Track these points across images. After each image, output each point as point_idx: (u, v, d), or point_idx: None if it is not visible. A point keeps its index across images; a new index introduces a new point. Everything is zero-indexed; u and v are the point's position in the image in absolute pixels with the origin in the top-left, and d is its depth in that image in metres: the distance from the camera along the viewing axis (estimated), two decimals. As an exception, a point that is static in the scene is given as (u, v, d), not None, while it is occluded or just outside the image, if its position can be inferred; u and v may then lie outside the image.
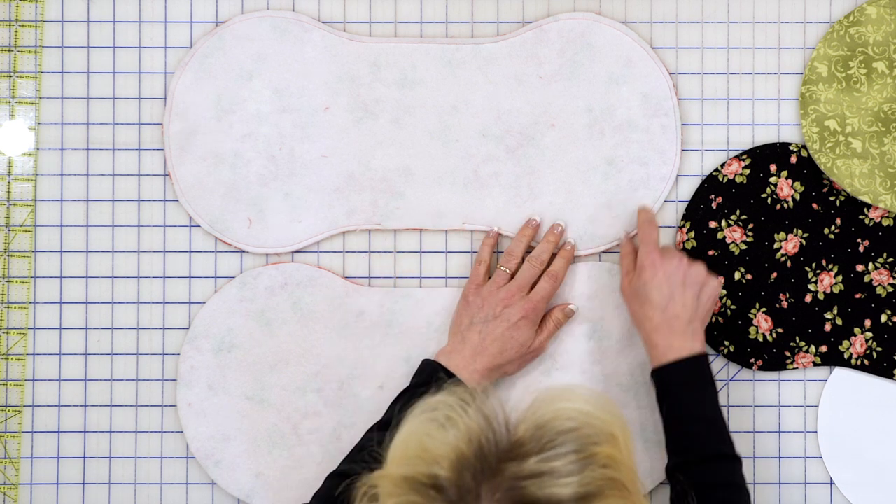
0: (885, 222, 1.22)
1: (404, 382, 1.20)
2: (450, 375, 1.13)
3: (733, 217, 1.22)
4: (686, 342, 1.12)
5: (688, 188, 1.23)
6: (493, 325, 1.16)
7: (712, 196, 1.22)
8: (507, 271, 1.18)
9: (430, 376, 1.13)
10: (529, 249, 1.21)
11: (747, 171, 1.23)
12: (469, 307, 1.18)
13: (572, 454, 0.77)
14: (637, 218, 1.20)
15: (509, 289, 1.17)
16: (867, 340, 1.22)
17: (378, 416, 1.20)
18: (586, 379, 1.21)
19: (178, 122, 1.22)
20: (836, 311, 1.22)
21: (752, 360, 1.22)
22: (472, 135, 1.22)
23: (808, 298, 1.22)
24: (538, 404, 0.80)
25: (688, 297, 1.13)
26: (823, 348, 1.22)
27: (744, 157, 1.23)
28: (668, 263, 1.14)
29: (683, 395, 1.11)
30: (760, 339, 1.22)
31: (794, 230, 1.22)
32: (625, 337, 1.21)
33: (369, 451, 1.03)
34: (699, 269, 1.15)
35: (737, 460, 1.11)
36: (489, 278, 1.19)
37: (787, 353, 1.22)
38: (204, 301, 1.23)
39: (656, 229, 1.17)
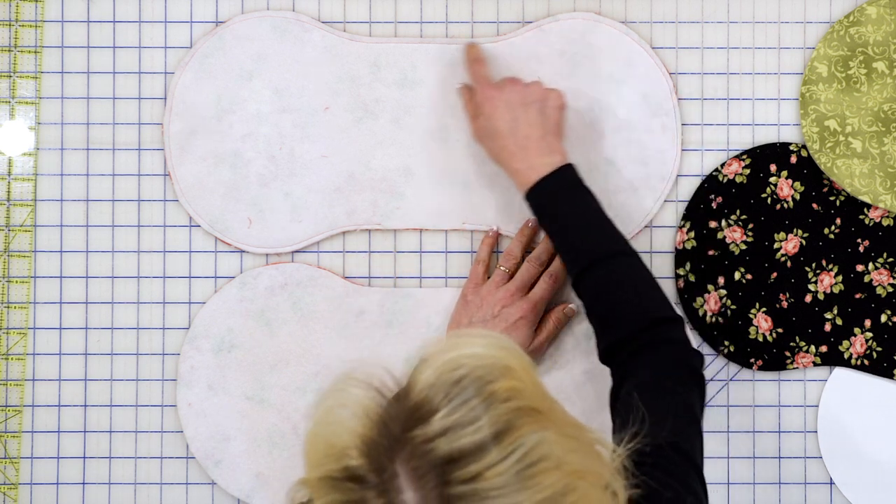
0: (885, 222, 1.22)
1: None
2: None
3: (733, 217, 1.22)
4: (545, 158, 1.12)
5: (688, 188, 1.23)
6: (491, 324, 1.15)
7: (712, 196, 1.22)
8: (506, 271, 1.18)
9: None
10: (529, 250, 1.21)
11: (747, 171, 1.23)
12: (467, 306, 1.18)
13: (472, 399, 0.75)
14: (465, 58, 1.20)
15: (508, 289, 1.17)
16: (867, 340, 1.22)
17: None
18: (586, 379, 1.21)
19: (178, 122, 1.22)
20: (836, 311, 1.22)
21: (752, 360, 1.22)
22: (472, 135, 1.22)
23: (808, 298, 1.22)
24: (425, 363, 0.78)
25: (531, 114, 1.14)
26: (823, 348, 1.22)
27: (744, 157, 1.23)
28: (503, 91, 1.15)
29: (560, 206, 1.11)
30: (760, 339, 1.22)
31: (794, 230, 1.22)
32: (625, 337, 1.22)
33: None
34: (536, 86, 1.16)
35: (634, 254, 1.10)
36: (488, 278, 1.19)
37: (787, 353, 1.22)
38: (204, 301, 1.23)
39: (484, 64, 1.18)
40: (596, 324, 1.10)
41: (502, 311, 1.16)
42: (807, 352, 1.22)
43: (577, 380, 1.21)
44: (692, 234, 1.23)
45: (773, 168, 1.23)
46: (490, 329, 1.15)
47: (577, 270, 1.10)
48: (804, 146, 1.23)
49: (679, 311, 1.22)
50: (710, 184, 1.23)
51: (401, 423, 0.76)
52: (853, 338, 1.22)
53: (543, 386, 0.81)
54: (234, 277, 1.23)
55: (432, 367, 0.77)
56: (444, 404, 0.75)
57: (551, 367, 1.21)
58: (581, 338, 1.21)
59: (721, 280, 1.22)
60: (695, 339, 1.22)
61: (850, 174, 1.21)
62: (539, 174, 1.12)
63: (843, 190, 1.22)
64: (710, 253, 1.22)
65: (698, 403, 1.04)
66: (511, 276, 1.18)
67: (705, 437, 1.23)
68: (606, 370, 1.22)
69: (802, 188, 1.23)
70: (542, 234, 1.21)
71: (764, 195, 1.22)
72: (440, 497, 0.73)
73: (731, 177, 1.23)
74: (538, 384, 0.80)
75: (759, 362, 1.22)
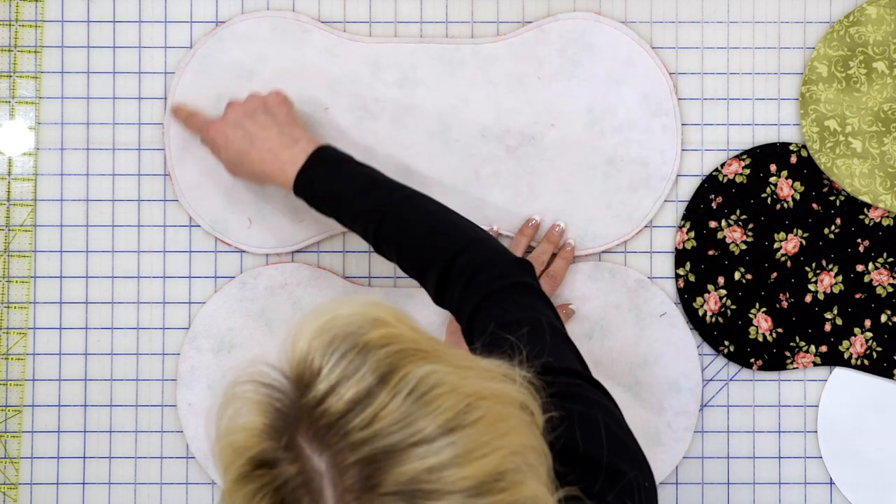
0: (885, 222, 1.22)
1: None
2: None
3: (733, 217, 1.22)
4: (292, 149, 1.11)
5: (688, 188, 1.23)
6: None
7: (712, 196, 1.22)
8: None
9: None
10: (529, 250, 1.21)
11: (747, 171, 1.23)
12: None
13: (349, 353, 0.75)
14: (180, 122, 1.20)
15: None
16: (867, 340, 1.22)
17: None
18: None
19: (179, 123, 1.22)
20: (836, 311, 1.22)
21: (752, 360, 1.22)
22: (472, 135, 1.22)
23: (808, 298, 1.22)
24: (295, 337, 0.78)
25: (259, 118, 1.13)
26: (823, 348, 1.22)
27: (744, 156, 1.23)
28: (225, 116, 1.15)
29: (328, 186, 1.09)
30: (760, 339, 1.22)
31: (794, 230, 1.22)
32: (625, 337, 1.21)
33: None
34: (251, 96, 1.15)
35: (415, 195, 1.09)
36: None
37: (787, 353, 1.22)
38: (204, 301, 1.23)
39: (198, 114, 1.19)
40: (413, 274, 1.07)
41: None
42: (807, 352, 1.22)
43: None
44: (692, 234, 1.23)
45: (773, 168, 1.23)
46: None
47: (371, 235, 1.08)
48: (804, 146, 1.23)
49: (679, 311, 1.22)
50: (710, 184, 1.23)
51: (289, 398, 0.76)
52: (853, 338, 1.22)
53: (425, 332, 0.80)
54: (234, 277, 1.23)
55: (303, 337, 0.77)
56: (324, 364, 0.75)
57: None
58: (581, 338, 1.22)
59: (721, 280, 1.22)
60: (695, 339, 1.22)
61: (850, 174, 1.21)
62: (295, 167, 1.10)
63: (843, 190, 1.22)
64: (710, 253, 1.22)
65: (546, 311, 1.00)
66: None
67: (705, 436, 1.23)
68: (606, 370, 1.22)
69: (802, 188, 1.23)
70: (542, 234, 1.21)
71: (764, 195, 1.22)
72: (347, 449, 0.73)
73: (731, 177, 1.23)
74: (417, 330, 0.79)
75: (759, 362, 1.22)
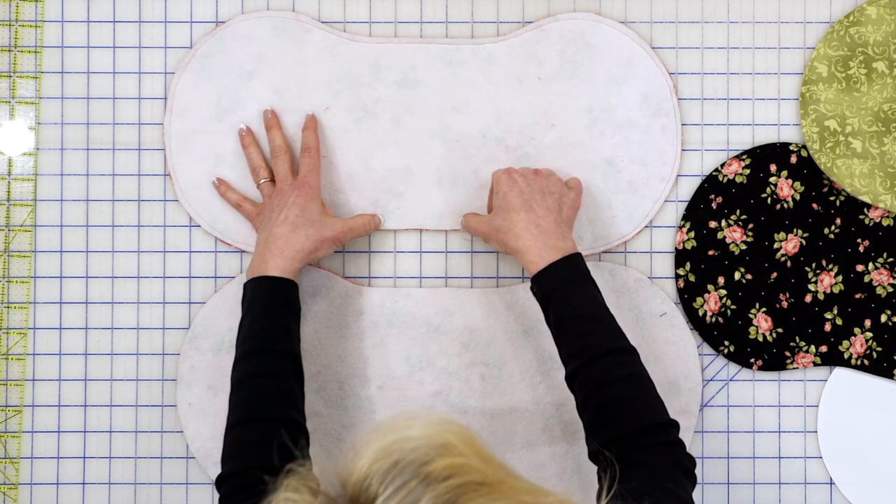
0: (885, 222, 1.22)
1: (404, 383, 1.21)
2: (260, 280, 1.11)
3: (733, 217, 1.22)
4: (559, 242, 1.10)
5: (688, 188, 1.23)
6: (272, 217, 1.15)
7: (712, 196, 1.22)
8: (266, 180, 1.19)
9: (247, 297, 1.12)
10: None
11: (747, 171, 1.23)
12: (257, 228, 1.18)
13: (410, 482, 0.73)
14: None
15: (277, 189, 1.17)
16: (867, 340, 1.22)
17: (377, 416, 1.20)
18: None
19: (179, 122, 1.22)
20: (836, 311, 1.22)
21: (752, 360, 1.22)
22: (473, 135, 1.22)
23: (808, 298, 1.22)
24: (359, 453, 0.76)
25: (549, 202, 1.13)
26: (823, 348, 1.22)
27: (744, 157, 1.23)
28: (522, 174, 1.15)
29: (569, 296, 1.08)
30: (760, 339, 1.22)
31: (794, 230, 1.22)
32: (625, 337, 1.22)
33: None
34: (555, 179, 1.16)
35: (633, 352, 1.07)
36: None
37: (787, 353, 1.22)
38: (204, 301, 1.23)
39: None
40: (588, 420, 1.05)
41: (276, 202, 1.16)
42: (807, 352, 1.22)
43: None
44: (692, 234, 1.23)
45: (773, 168, 1.23)
46: (273, 218, 1.14)
47: (576, 364, 1.06)
48: (804, 146, 1.23)
49: (679, 311, 1.22)
50: (710, 184, 1.23)
51: None
52: (853, 338, 1.22)
53: (493, 456, 0.78)
54: (234, 277, 1.23)
55: (366, 456, 0.75)
56: (382, 491, 0.73)
57: (551, 368, 1.21)
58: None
59: (721, 280, 1.22)
60: (695, 339, 1.22)
61: (850, 174, 1.21)
62: (551, 257, 1.09)
63: (843, 190, 1.22)
64: (710, 253, 1.22)
65: (691, 499, 1.01)
66: (273, 182, 1.19)
67: (705, 436, 1.23)
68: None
69: (802, 188, 1.23)
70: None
71: (764, 195, 1.22)
72: None
73: (731, 177, 1.23)
74: (486, 457, 0.77)
75: (759, 362, 1.22)
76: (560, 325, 1.08)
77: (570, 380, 1.06)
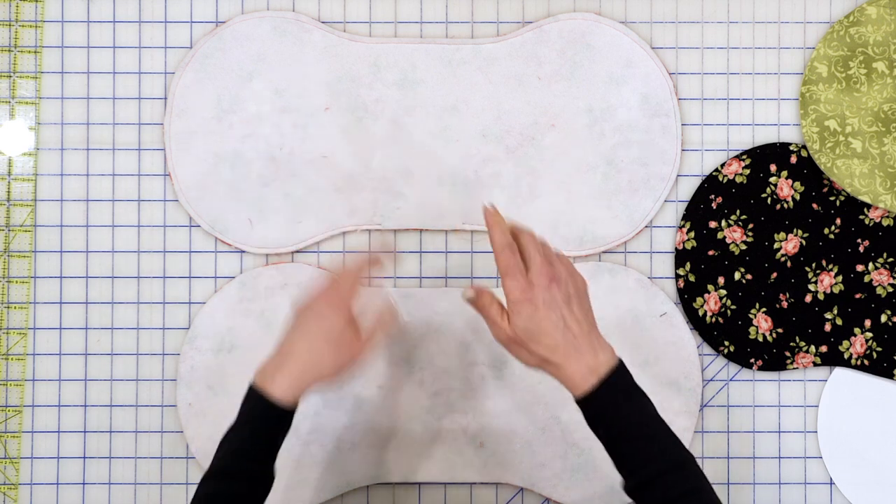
0: (885, 222, 1.22)
1: (404, 383, 1.21)
2: (260, 399, 1.03)
3: (733, 217, 1.22)
4: (599, 356, 1.00)
5: (688, 188, 1.23)
6: (300, 321, 1.06)
7: (712, 196, 1.22)
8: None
9: (246, 407, 1.04)
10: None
11: (747, 171, 1.23)
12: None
13: None
14: (490, 236, 1.02)
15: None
16: (867, 340, 1.22)
17: (377, 417, 1.20)
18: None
19: (179, 123, 1.22)
20: (836, 311, 1.22)
21: (752, 360, 1.22)
22: (473, 135, 1.22)
23: (808, 298, 1.22)
24: None
25: (576, 311, 1.02)
26: (823, 348, 1.22)
27: (744, 157, 1.23)
28: (540, 288, 1.01)
29: (621, 413, 1.00)
30: (760, 339, 1.22)
31: (794, 230, 1.22)
32: (625, 337, 1.21)
33: None
34: (567, 277, 1.03)
35: (691, 461, 1.01)
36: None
37: (787, 353, 1.22)
38: (204, 301, 1.23)
39: (510, 246, 1.02)
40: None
41: (311, 305, 1.06)
42: (807, 352, 1.22)
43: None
44: (692, 234, 1.23)
45: (773, 168, 1.23)
46: (299, 324, 1.04)
47: (639, 479, 1.00)
48: (804, 146, 1.23)
49: (679, 311, 1.22)
50: (710, 184, 1.23)
51: None
52: (853, 338, 1.22)
53: None
54: (234, 278, 1.23)
55: None
56: None
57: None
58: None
59: (721, 280, 1.22)
60: (695, 339, 1.22)
61: (850, 174, 1.21)
62: (596, 377, 0.99)
63: (843, 190, 1.22)
64: (710, 253, 1.22)
65: None
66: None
67: (705, 436, 1.23)
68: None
69: (802, 188, 1.23)
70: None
71: (764, 195, 1.22)
72: None
73: (731, 177, 1.23)
74: None
75: (759, 362, 1.22)
76: (613, 444, 1.01)
77: (635, 491, 1.01)
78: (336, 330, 1.04)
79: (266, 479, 1.03)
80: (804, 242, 1.22)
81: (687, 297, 1.22)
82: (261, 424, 1.02)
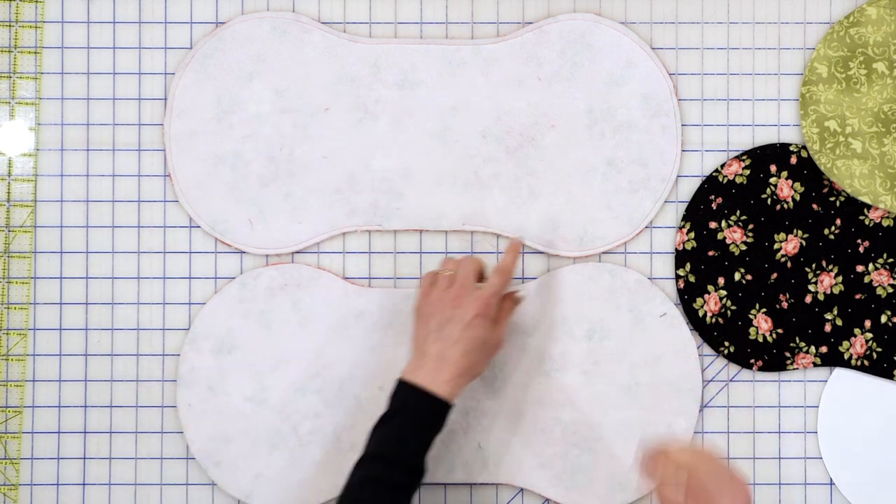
0: (885, 223, 1.22)
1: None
2: (426, 397, 1.10)
3: (733, 217, 1.22)
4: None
5: (688, 189, 1.23)
6: (447, 329, 1.12)
7: (712, 196, 1.22)
8: (452, 273, 1.16)
9: (408, 401, 1.10)
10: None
11: (747, 172, 1.23)
12: (421, 319, 1.14)
13: None
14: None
15: (454, 288, 1.14)
16: (867, 341, 1.22)
17: (377, 417, 1.20)
18: (586, 379, 1.21)
19: (179, 123, 1.22)
20: (836, 312, 1.22)
21: (752, 361, 1.22)
22: (473, 135, 1.22)
23: (808, 299, 1.22)
24: None
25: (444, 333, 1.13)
26: (823, 349, 1.22)
27: (744, 157, 1.23)
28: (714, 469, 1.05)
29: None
30: (760, 339, 1.22)
31: (794, 231, 1.22)
32: (625, 337, 1.22)
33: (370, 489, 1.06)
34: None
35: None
36: None
37: (787, 354, 1.22)
38: (204, 302, 1.23)
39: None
40: None
41: (455, 312, 1.12)
42: (807, 352, 1.22)
43: (578, 381, 1.21)
44: (692, 234, 1.23)
45: (773, 169, 1.23)
46: (448, 334, 1.12)
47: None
48: (804, 147, 1.23)
49: (679, 311, 1.22)
50: (710, 184, 1.23)
51: None
52: (853, 338, 1.22)
53: None
54: (234, 278, 1.23)
55: None
56: None
57: (551, 369, 1.21)
58: (581, 338, 1.22)
59: (721, 280, 1.22)
60: (695, 340, 1.22)
61: (850, 175, 1.21)
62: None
63: (843, 190, 1.22)
64: (711, 254, 1.22)
65: None
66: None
67: (705, 437, 1.23)
68: (606, 370, 1.23)
69: (802, 189, 1.23)
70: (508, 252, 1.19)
71: (764, 196, 1.22)
72: None
73: (731, 177, 1.23)
74: None
75: (760, 363, 1.22)
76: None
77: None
78: (482, 336, 1.13)
79: (420, 471, 1.09)
80: (804, 243, 1.22)
81: (687, 297, 1.22)
82: (425, 417, 1.10)
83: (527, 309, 1.22)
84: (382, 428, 1.10)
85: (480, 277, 1.17)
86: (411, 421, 1.09)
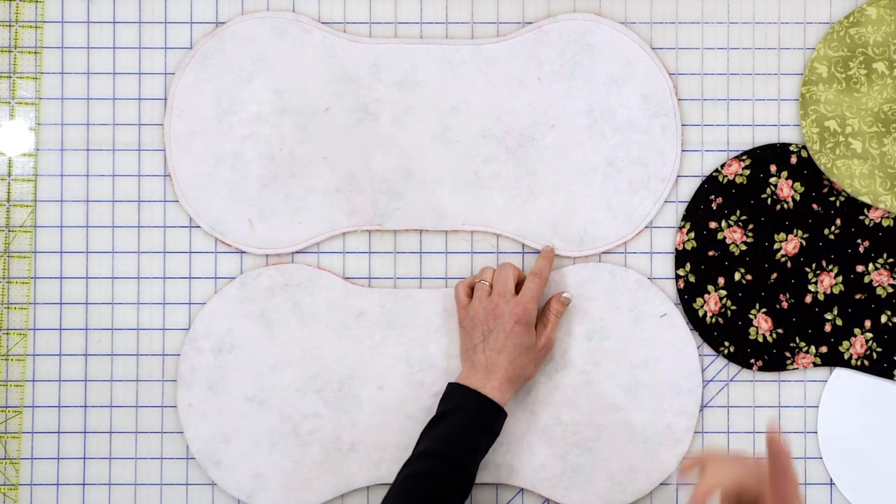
0: (885, 223, 1.22)
1: (404, 383, 1.20)
2: (475, 396, 1.13)
3: (733, 217, 1.22)
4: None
5: (688, 189, 1.23)
6: (491, 339, 1.15)
7: (712, 196, 1.22)
8: (486, 283, 1.18)
9: (457, 401, 1.13)
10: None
11: (747, 172, 1.23)
12: (465, 331, 1.18)
13: None
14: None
15: (492, 298, 1.17)
16: (867, 341, 1.22)
17: (377, 417, 1.20)
18: (586, 379, 1.21)
19: (179, 123, 1.22)
20: (836, 312, 1.22)
21: (752, 361, 1.22)
22: (473, 135, 1.22)
23: (808, 299, 1.22)
24: None
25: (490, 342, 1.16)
26: (823, 349, 1.22)
27: (744, 157, 1.23)
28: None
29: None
30: (760, 339, 1.22)
31: (794, 231, 1.22)
32: (625, 337, 1.22)
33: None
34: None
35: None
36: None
37: (787, 354, 1.22)
38: (204, 302, 1.23)
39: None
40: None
41: (496, 322, 1.16)
42: (807, 352, 1.22)
43: (577, 381, 1.21)
44: (692, 234, 1.23)
45: (773, 168, 1.23)
46: (492, 343, 1.15)
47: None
48: (804, 147, 1.23)
49: (679, 311, 1.22)
50: (710, 184, 1.23)
51: None
52: (853, 338, 1.22)
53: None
54: (234, 278, 1.23)
55: None
56: None
57: (551, 369, 1.21)
58: (581, 338, 1.22)
59: (721, 280, 1.22)
60: (695, 340, 1.22)
61: (850, 175, 1.21)
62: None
63: (843, 190, 1.22)
64: (711, 253, 1.22)
65: None
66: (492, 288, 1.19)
67: (705, 437, 1.23)
68: (606, 370, 1.23)
69: (802, 189, 1.23)
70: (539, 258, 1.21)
71: (764, 196, 1.22)
72: None
73: (731, 177, 1.23)
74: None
75: (759, 363, 1.22)
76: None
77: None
78: (526, 342, 1.16)
79: (468, 472, 1.11)
80: (804, 243, 1.22)
81: (687, 297, 1.22)
82: (473, 415, 1.13)
83: (527, 309, 1.22)
84: (430, 429, 1.13)
85: (518, 283, 1.19)
86: (459, 419, 1.12)
